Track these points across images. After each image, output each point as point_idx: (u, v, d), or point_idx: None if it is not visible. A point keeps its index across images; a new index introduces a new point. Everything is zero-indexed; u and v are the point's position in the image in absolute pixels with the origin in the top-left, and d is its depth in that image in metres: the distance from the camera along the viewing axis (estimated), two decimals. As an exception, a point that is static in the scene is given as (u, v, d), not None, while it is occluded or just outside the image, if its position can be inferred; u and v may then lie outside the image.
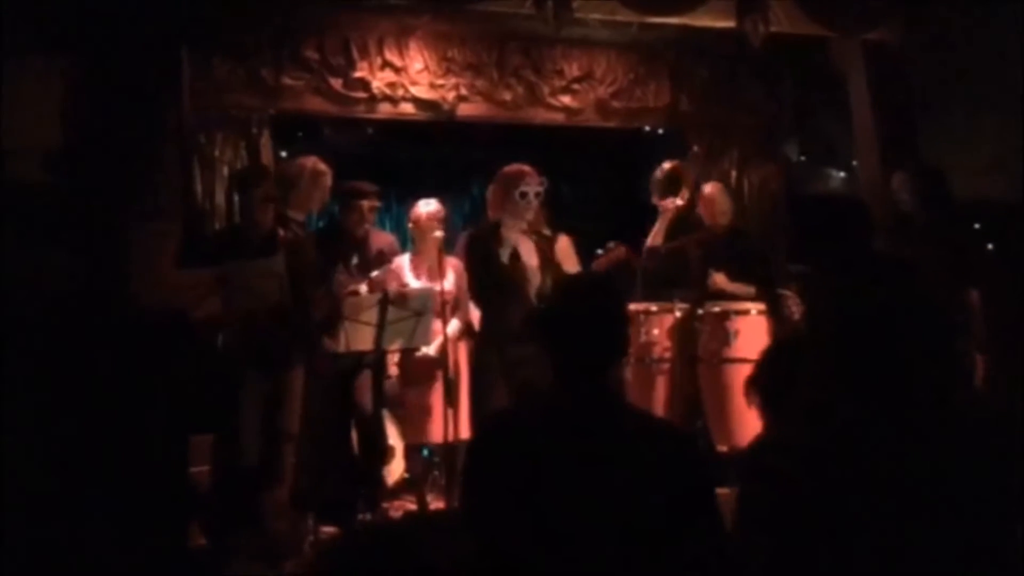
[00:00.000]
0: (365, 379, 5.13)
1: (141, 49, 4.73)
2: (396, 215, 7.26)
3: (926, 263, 4.91)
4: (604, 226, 7.61)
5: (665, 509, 1.89)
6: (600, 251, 5.43)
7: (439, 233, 5.08)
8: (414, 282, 5.16)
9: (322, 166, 5.15)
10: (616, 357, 2.09)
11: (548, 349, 2.07)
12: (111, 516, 4.23)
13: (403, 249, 5.53)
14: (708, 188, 5.75)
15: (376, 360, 5.02)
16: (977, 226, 5.25)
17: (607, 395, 2.04)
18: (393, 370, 5.41)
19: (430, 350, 5.07)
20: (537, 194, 4.92)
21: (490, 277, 4.88)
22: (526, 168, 4.95)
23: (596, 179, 8.40)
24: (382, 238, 5.59)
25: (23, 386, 4.26)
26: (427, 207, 5.26)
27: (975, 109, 5.62)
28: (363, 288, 4.98)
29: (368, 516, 5.09)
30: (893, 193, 5.12)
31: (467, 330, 5.27)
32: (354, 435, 5.31)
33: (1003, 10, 5.44)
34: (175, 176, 5.10)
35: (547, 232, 4.98)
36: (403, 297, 4.81)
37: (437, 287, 4.92)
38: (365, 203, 5.25)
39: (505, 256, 4.83)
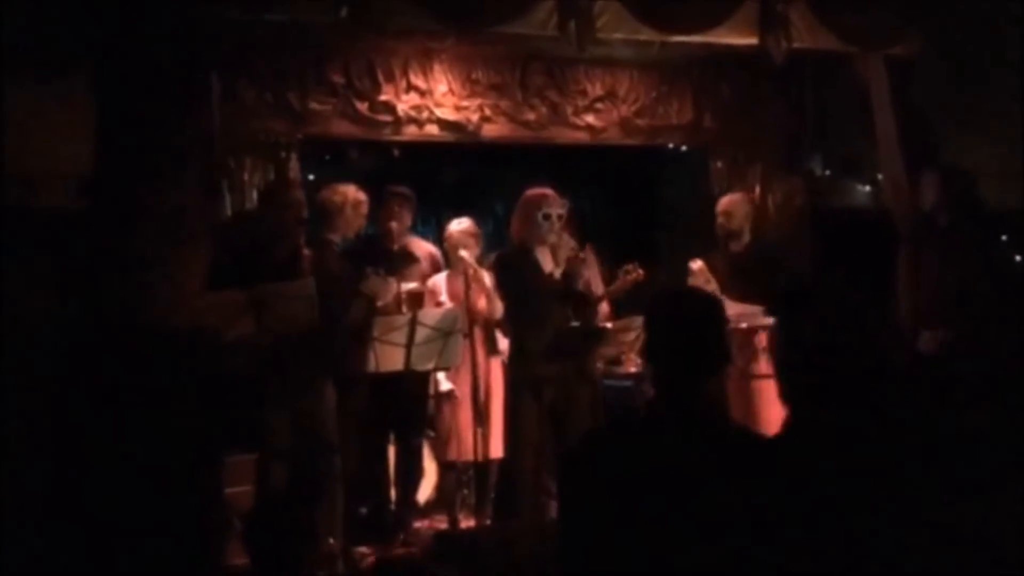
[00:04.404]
0: (408, 400, 5.16)
1: (170, 74, 4.79)
2: (421, 235, 7.27)
3: (947, 267, 4.91)
4: (625, 243, 7.65)
5: (760, 523, 1.86)
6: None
7: (463, 252, 5.13)
8: (449, 301, 5.20)
9: (362, 195, 5.19)
10: (714, 368, 2.11)
11: (648, 361, 2.13)
12: (145, 537, 4.25)
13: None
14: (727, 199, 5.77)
15: (420, 382, 5.05)
16: (1005, 237, 5.23)
17: (705, 408, 2.05)
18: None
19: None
20: (560, 216, 4.96)
21: (520, 298, 4.91)
22: (548, 191, 5.00)
23: (619, 197, 8.42)
24: (422, 247, 5.61)
25: (52, 410, 4.30)
26: (459, 225, 5.33)
27: (995, 117, 5.60)
28: (393, 285, 4.97)
29: (400, 536, 5.12)
30: (920, 193, 5.10)
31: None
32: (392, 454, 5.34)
33: (1016, 18, 5.44)
34: (204, 199, 5.15)
35: (574, 247, 5.00)
36: (430, 317, 4.84)
37: (467, 305, 4.97)
38: (396, 197, 5.37)
39: (535, 277, 4.86)
